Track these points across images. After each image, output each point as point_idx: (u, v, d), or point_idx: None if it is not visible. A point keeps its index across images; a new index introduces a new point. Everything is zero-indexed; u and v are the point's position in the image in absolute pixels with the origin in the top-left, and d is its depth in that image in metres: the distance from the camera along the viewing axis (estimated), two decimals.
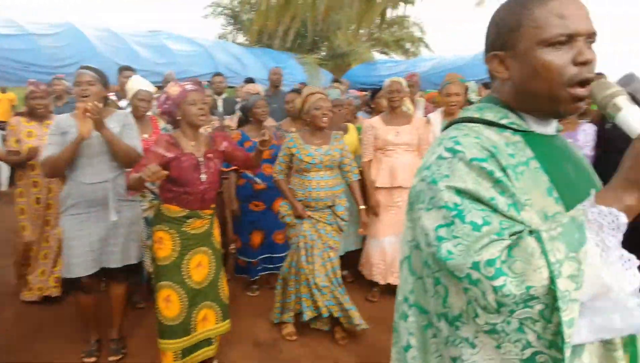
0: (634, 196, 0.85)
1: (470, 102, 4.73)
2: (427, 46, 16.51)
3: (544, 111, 1.02)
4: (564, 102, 0.96)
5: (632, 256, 0.85)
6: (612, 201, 0.85)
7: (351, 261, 4.32)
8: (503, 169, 0.94)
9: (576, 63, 0.94)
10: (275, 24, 4.35)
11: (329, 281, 3.20)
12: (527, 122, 1.04)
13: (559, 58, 0.94)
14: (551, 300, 0.82)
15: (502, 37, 1.02)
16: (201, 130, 2.81)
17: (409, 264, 1.07)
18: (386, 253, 3.94)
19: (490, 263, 0.85)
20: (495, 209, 0.91)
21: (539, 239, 0.85)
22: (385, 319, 3.56)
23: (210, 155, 2.73)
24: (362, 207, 3.41)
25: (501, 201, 0.92)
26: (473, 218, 0.90)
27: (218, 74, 6.72)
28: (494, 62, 1.05)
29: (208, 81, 6.42)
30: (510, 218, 0.91)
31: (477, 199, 0.92)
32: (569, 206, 0.95)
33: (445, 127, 1.11)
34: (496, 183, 0.93)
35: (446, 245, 0.90)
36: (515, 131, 1.03)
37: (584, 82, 0.95)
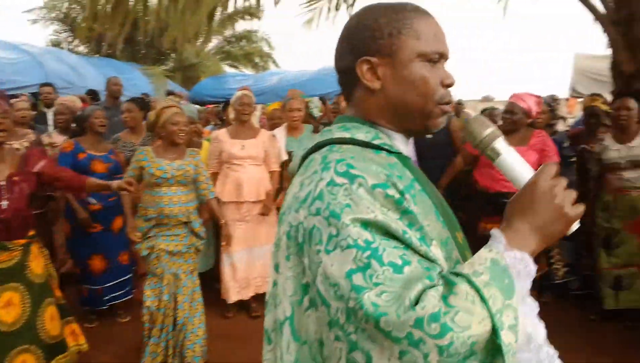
0: (538, 242, 0.82)
1: (313, 117, 4.97)
2: (274, 61, 16.95)
3: (411, 126, 0.96)
4: (434, 117, 0.93)
5: (536, 303, 0.84)
6: (520, 246, 0.80)
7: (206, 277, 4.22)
8: (402, 195, 0.81)
9: (443, 84, 0.93)
10: (107, 28, 4.10)
11: (191, 311, 3.06)
12: (393, 142, 0.95)
13: (433, 75, 0.91)
14: (486, 355, 0.74)
15: (377, 43, 0.91)
16: (14, 146, 2.49)
17: (292, 327, 0.85)
18: (237, 269, 3.91)
19: (434, 317, 0.70)
20: (408, 246, 0.78)
21: (472, 284, 0.74)
22: (240, 336, 3.55)
23: (16, 178, 2.42)
24: (223, 221, 3.35)
25: (413, 235, 0.79)
26: (391, 258, 0.75)
27: (47, 84, 6.10)
28: (364, 68, 0.92)
29: (32, 93, 5.80)
30: (424, 255, 0.79)
31: (387, 233, 0.77)
32: (451, 231, 0.90)
33: (312, 151, 0.95)
34: (403, 213, 0.80)
35: (368, 295, 0.73)
36: (389, 152, 0.92)
37: (448, 104, 0.94)
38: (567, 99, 8.89)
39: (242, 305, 4.02)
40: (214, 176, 3.90)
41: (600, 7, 4.45)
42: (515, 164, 0.89)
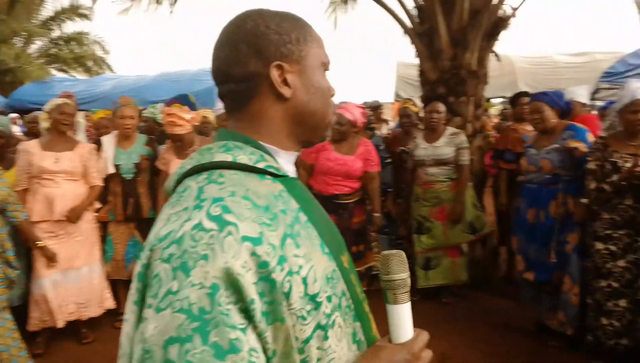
0: None
1: (158, 124, 4.75)
2: (108, 66, 15.86)
3: (311, 138, 0.92)
4: (327, 129, 0.92)
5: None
6: None
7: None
8: (274, 250, 0.72)
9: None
10: None
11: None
12: (279, 162, 0.86)
13: (330, 85, 0.91)
14: None
15: (287, 47, 0.85)
16: None
17: None
18: (47, 295, 3.47)
19: None
20: (251, 319, 0.68)
21: None
22: None
23: None
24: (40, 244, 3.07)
25: (258, 308, 0.69)
26: (217, 339, 0.65)
27: None
28: (276, 74, 0.84)
29: None
30: (259, 334, 0.69)
31: (234, 296, 0.67)
32: (336, 260, 0.84)
33: (187, 173, 0.82)
34: (261, 279, 0.70)
35: None
36: (275, 176, 0.83)
37: None
38: (392, 103, 9.78)
39: (73, 330, 3.68)
40: (24, 192, 3.51)
41: (408, 22, 4.97)
42: (405, 319, 0.85)
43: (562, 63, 9.62)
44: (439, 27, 4.61)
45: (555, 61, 9.68)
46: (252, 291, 0.68)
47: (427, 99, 4.71)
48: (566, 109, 3.55)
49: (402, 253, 0.86)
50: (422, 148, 4.16)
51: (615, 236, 3.03)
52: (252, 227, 0.71)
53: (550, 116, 3.43)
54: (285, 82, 0.85)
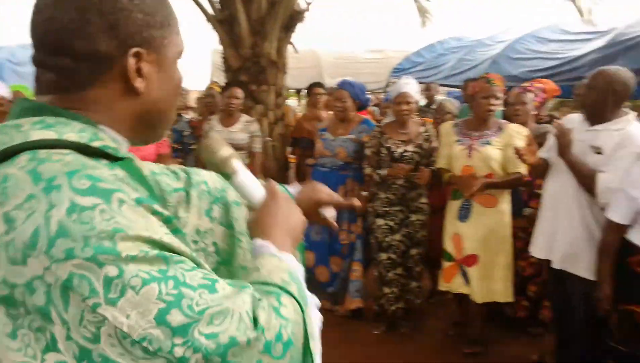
0: (292, 243, 0.84)
1: None
2: None
3: (152, 137, 0.79)
4: (168, 128, 0.83)
5: None
6: (288, 251, 0.81)
7: None
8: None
9: None
10: None
11: None
12: (118, 145, 0.71)
13: (181, 78, 0.79)
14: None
15: (149, 32, 0.69)
16: None
17: None
18: None
19: (278, 337, 0.63)
20: (198, 265, 0.64)
21: (290, 294, 0.69)
22: None
23: None
24: None
25: (188, 249, 0.64)
26: (197, 280, 0.60)
27: None
28: (132, 62, 0.68)
29: None
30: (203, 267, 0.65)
31: (175, 254, 0.61)
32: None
33: None
34: (174, 232, 0.65)
35: (199, 330, 0.57)
36: (114, 159, 0.68)
37: None
38: None
39: None
40: None
41: (209, 8, 4.88)
42: (250, 182, 0.90)
43: (362, 59, 10.58)
44: (238, 15, 4.62)
45: (356, 57, 10.59)
46: (183, 243, 0.63)
47: (230, 86, 4.71)
48: (365, 103, 3.84)
49: (215, 135, 0.97)
50: (216, 131, 4.14)
51: (392, 212, 3.41)
52: (131, 189, 0.62)
53: (351, 107, 3.67)
54: (139, 73, 0.69)
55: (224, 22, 4.78)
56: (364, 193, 3.57)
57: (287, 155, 4.99)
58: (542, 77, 4.97)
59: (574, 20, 6.47)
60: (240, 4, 4.61)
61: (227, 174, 0.89)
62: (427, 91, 6.14)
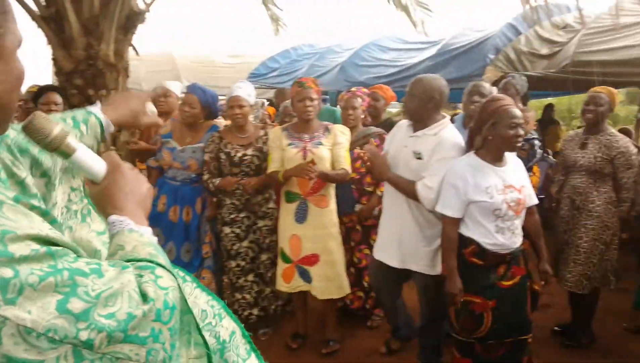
0: (143, 212, 0.89)
1: None
2: None
3: None
4: (7, 126, 0.78)
5: None
6: (141, 223, 0.86)
7: None
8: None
9: None
10: None
11: None
12: None
13: (23, 70, 0.75)
14: None
15: None
16: None
17: None
18: None
19: (166, 305, 0.71)
20: (76, 253, 0.69)
21: (160, 265, 0.77)
22: None
23: None
24: None
25: (69, 240, 0.71)
26: (83, 267, 0.66)
27: None
28: None
29: None
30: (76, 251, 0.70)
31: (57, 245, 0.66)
32: None
33: None
34: (52, 223, 0.70)
35: (98, 312, 0.63)
36: None
37: None
38: None
39: None
40: None
41: (33, 5, 4.39)
42: (90, 157, 0.88)
43: (220, 63, 10.42)
44: (67, 13, 4.22)
45: (214, 61, 10.39)
46: (64, 237, 0.68)
47: (65, 91, 4.28)
48: (214, 112, 3.64)
49: (40, 114, 0.85)
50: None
51: (238, 219, 3.36)
52: (3, 187, 0.68)
53: (199, 115, 3.48)
54: None
55: (51, 20, 4.33)
56: (213, 199, 3.48)
57: (137, 163, 4.67)
58: (384, 83, 5.31)
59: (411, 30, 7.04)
60: (69, 1, 4.22)
61: (63, 153, 0.86)
62: (281, 96, 6.22)
